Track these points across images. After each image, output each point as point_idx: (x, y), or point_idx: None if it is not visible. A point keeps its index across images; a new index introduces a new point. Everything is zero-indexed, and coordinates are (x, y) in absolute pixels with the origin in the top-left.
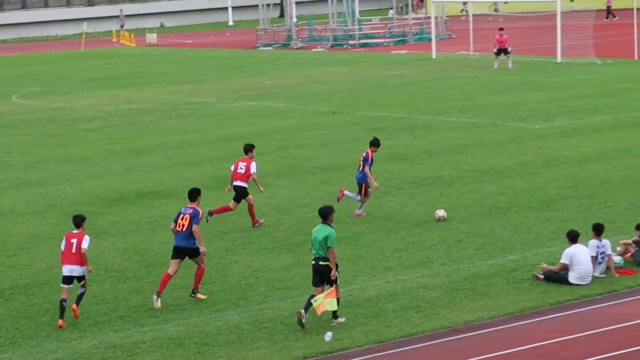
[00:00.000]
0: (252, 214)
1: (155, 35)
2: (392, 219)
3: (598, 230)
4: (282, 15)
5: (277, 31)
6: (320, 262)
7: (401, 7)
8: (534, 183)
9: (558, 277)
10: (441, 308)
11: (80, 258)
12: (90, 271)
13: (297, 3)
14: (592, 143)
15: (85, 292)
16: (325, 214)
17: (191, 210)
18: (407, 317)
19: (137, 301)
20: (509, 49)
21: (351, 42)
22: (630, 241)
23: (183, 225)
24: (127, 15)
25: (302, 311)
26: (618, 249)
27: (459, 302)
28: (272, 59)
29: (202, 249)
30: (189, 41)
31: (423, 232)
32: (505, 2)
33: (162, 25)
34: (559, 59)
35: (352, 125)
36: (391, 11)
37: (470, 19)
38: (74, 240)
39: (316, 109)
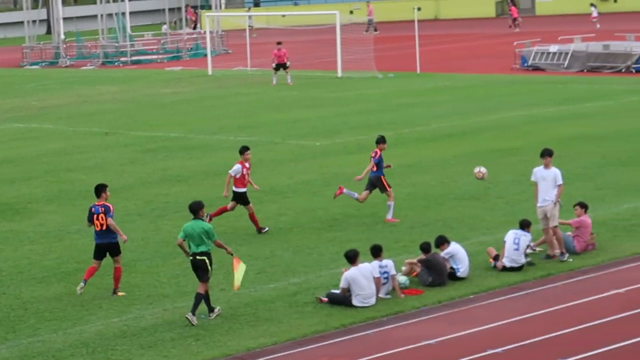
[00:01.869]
0: (254, 222)
1: None
2: (169, 244)
3: (376, 251)
4: (49, 32)
5: (44, 49)
6: (198, 257)
7: (175, 22)
8: (316, 202)
9: (342, 299)
10: (221, 335)
11: None
12: None
13: (64, 19)
14: None
15: None
16: (196, 210)
17: (102, 208)
18: (186, 346)
19: None
20: (288, 63)
21: (123, 59)
22: (415, 260)
23: (101, 224)
24: None
25: (190, 314)
26: (403, 268)
27: (240, 328)
28: (39, 78)
29: (123, 237)
30: None
31: None
32: (283, 16)
33: None
34: (339, 74)
35: (126, 146)
36: (164, 26)
37: (247, 33)
38: None
39: (87, 130)
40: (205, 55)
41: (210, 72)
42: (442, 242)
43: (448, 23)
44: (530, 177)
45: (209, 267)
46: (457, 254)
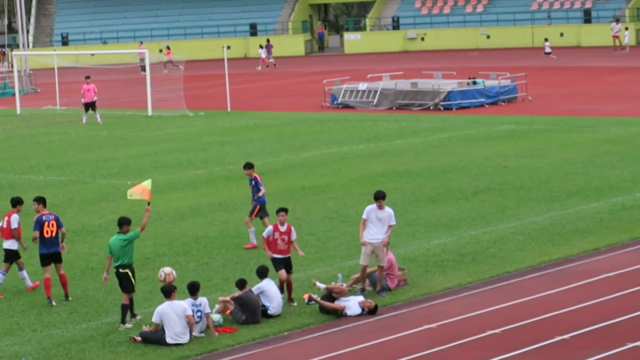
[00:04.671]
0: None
1: None
2: None
3: (192, 289)
4: None
5: None
6: (120, 270)
7: None
8: None
9: (155, 337)
10: None
11: None
12: None
13: None
14: (186, 198)
15: None
16: (120, 224)
17: (53, 216)
18: None
19: None
20: (95, 98)
21: None
22: (228, 298)
23: (51, 231)
24: None
25: (121, 325)
26: (217, 306)
27: None
28: None
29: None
30: None
31: (12, 297)
32: (92, 54)
33: None
34: (149, 112)
35: None
36: None
37: (56, 71)
38: None
39: None
40: (14, 94)
41: (18, 112)
42: (264, 273)
43: (258, 61)
44: (362, 215)
45: (132, 280)
46: (267, 291)
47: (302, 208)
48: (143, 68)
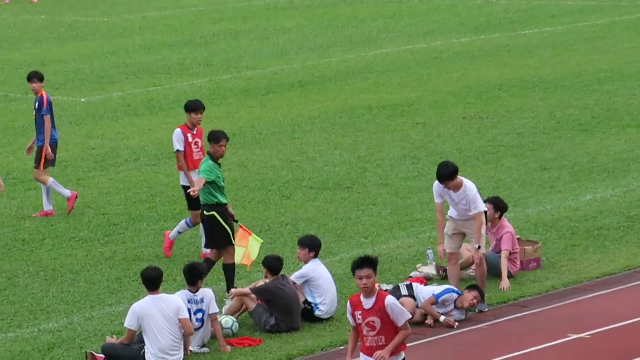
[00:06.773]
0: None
1: None
2: None
3: (191, 275)
4: None
5: None
6: (205, 212)
7: None
8: (85, 198)
9: (128, 354)
10: None
11: None
12: None
13: None
14: (177, 125)
15: None
16: (210, 138)
17: None
18: None
19: None
20: None
21: None
22: (247, 289)
23: None
24: None
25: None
26: (229, 303)
27: None
28: None
29: None
30: None
31: None
32: None
33: None
34: None
35: None
36: None
37: None
38: None
39: None
40: None
41: None
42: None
43: None
44: (434, 197)
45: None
46: (316, 280)
47: (368, 142)
48: None
